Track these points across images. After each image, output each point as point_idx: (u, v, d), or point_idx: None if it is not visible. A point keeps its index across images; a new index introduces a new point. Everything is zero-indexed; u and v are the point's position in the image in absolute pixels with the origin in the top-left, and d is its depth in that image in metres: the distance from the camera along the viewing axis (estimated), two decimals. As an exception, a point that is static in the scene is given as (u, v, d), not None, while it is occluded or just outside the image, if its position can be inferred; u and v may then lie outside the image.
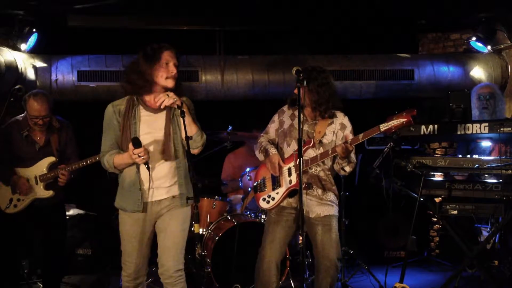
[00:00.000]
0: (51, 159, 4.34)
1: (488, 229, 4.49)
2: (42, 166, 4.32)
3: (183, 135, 3.17)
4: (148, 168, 3.22)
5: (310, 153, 3.67)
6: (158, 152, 3.29)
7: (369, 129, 3.50)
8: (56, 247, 4.46)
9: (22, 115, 4.37)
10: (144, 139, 3.24)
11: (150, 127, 3.30)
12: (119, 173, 3.36)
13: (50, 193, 4.33)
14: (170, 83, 3.26)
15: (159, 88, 3.28)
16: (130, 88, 3.31)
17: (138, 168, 3.29)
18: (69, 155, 4.44)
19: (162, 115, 3.32)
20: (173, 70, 3.27)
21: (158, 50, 3.27)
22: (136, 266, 3.37)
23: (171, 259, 3.30)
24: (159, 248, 3.36)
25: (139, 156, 3.13)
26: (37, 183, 4.32)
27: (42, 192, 4.33)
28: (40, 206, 4.36)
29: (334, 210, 3.74)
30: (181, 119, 3.16)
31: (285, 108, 3.91)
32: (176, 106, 3.19)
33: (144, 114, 3.31)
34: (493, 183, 4.06)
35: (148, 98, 3.33)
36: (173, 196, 3.34)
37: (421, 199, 4.16)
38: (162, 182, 3.32)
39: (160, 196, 3.33)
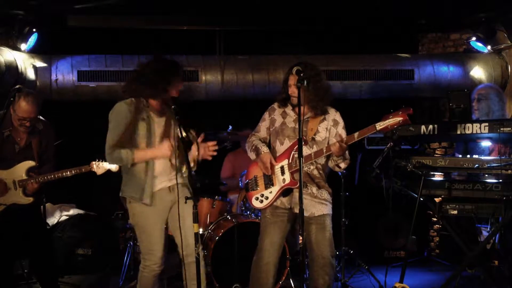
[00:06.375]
0: (30, 163, 4.12)
1: (488, 229, 4.48)
2: (21, 170, 4.10)
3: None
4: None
5: (303, 151, 3.59)
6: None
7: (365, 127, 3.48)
8: (40, 247, 4.29)
9: (2, 111, 4.06)
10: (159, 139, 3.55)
11: (160, 128, 3.58)
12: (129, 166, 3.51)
13: (30, 200, 4.14)
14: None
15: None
16: (147, 91, 3.50)
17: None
18: (46, 160, 4.24)
19: (163, 119, 3.61)
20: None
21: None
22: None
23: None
24: None
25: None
26: (16, 189, 4.09)
27: (21, 198, 4.12)
28: (15, 208, 4.13)
29: (328, 209, 3.73)
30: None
31: (275, 105, 3.86)
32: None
33: (154, 116, 3.56)
34: (493, 183, 4.04)
35: (153, 102, 3.56)
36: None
37: (421, 199, 4.15)
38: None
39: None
